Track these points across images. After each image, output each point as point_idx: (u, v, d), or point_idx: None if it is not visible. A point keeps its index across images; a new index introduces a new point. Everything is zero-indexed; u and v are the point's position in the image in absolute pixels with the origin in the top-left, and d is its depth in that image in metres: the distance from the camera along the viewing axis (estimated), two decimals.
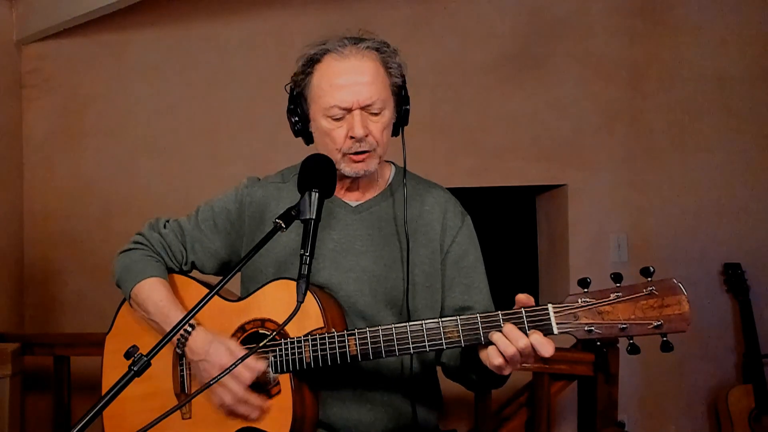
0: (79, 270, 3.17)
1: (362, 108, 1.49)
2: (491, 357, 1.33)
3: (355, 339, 1.41)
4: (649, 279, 1.28)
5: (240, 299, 1.58)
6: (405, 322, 1.41)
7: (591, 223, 3.44)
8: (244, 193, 1.65)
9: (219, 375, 1.26)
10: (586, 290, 1.31)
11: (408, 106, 1.58)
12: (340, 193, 1.61)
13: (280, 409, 1.47)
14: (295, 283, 1.35)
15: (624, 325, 1.28)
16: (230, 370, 1.26)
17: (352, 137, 1.49)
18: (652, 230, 3.46)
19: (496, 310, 1.35)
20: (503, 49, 3.41)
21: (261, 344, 1.38)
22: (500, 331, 1.32)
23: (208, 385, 1.30)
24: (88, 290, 3.13)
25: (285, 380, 1.48)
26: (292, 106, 1.58)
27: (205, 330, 1.52)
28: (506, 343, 1.31)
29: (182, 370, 1.57)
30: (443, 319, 1.38)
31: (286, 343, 1.46)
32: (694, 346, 3.39)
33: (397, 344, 1.39)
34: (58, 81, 3.21)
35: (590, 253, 3.43)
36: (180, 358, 1.57)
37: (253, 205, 1.63)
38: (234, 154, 3.25)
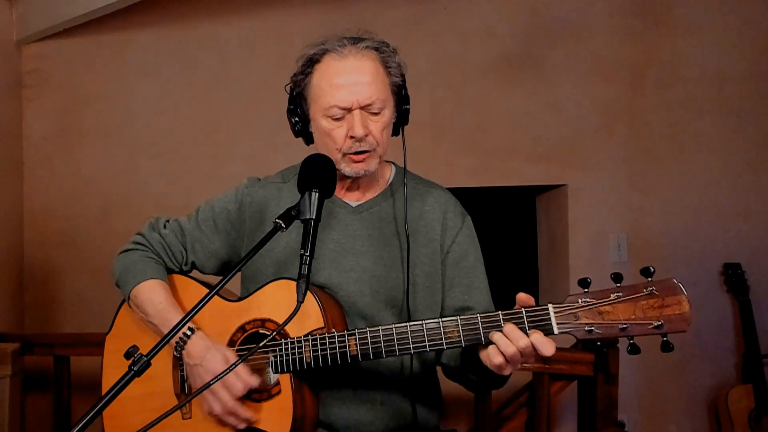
0: (79, 270, 3.17)
1: (362, 108, 1.49)
2: (492, 356, 1.33)
3: (356, 339, 1.41)
4: (650, 279, 1.28)
5: (240, 299, 1.57)
6: (405, 322, 1.40)
7: (591, 223, 3.44)
8: (244, 193, 1.65)
9: (211, 380, 1.28)
10: (586, 290, 1.31)
11: (408, 106, 1.58)
12: (340, 193, 1.61)
13: (281, 409, 1.47)
14: (295, 283, 1.34)
15: (624, 325, 1.28)
16: (222, 376, 1.28)
17: (352, 137, 1.49)
18: (652, 230, 3.46)
19: (497, 310, 1.35)
20: (503, 49, 3.41)
21: (261, 344, 1.38)
22: (501, 331, 1.32)
23: (208, 385, 1.30)
24: (88, 290, 3.13)
25: (285, 380, 1.48)
26: (292, 107, 1.58)
27: (204, 336, 1.52)
28: (507, 342, 1.31)
29: (182, 371, 1.57)
30: (444, 319, 1.38)
31: (286, 343, 1.46)
32: (694, 346, 3.39)
33: (398, 344, 1.39)
34: (57, 81, 3.20)
35: (590, 253, 3.43)
36: (179, 358, 1.57)
37: (254, 205, 1.63)
38: (234, 154, 3.25)
